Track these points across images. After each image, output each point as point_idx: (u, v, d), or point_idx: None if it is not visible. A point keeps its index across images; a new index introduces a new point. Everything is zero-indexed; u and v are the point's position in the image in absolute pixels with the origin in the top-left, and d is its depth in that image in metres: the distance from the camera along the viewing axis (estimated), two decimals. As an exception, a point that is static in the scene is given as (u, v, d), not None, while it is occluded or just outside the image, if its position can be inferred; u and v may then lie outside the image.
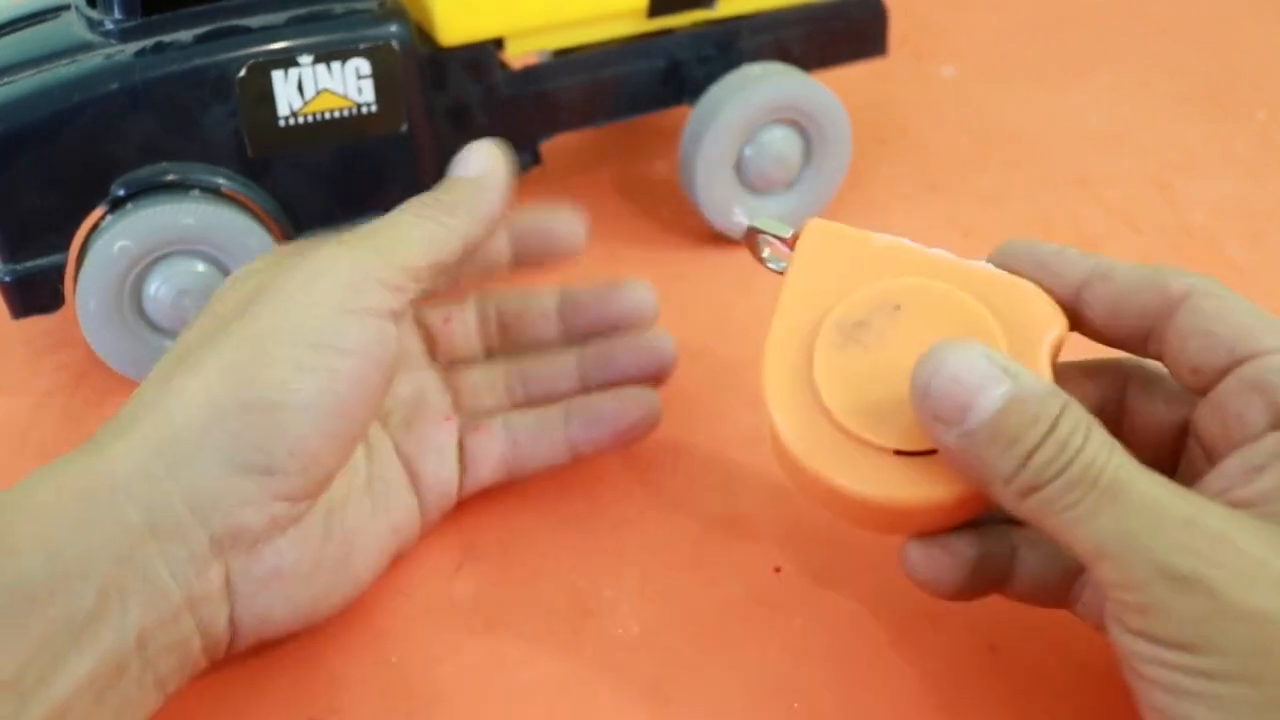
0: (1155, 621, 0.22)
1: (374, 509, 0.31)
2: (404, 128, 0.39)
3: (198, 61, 0.36)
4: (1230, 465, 0.24)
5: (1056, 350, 0.27)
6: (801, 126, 0.44)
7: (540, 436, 0.33)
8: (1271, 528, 0.22)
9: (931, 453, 0.25)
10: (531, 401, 0.35)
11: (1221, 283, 0.26)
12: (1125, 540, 0.22)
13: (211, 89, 0.36)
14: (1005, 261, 0.28)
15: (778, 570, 0.32)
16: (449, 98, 0.41)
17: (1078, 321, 0.27)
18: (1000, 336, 0.26)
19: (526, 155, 0.43)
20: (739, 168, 0.44)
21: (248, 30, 0.37)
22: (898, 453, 0.26)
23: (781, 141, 0.44)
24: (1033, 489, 0.23)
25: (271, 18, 0.37)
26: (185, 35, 0.36)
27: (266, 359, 0.26)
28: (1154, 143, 0.52)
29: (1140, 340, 0.26)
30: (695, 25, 0.44)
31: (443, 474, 0.33)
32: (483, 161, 0.32)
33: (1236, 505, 0.23)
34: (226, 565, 0.26)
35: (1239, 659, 0.21)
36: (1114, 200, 0.48)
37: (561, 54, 0.44)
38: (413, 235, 0.30)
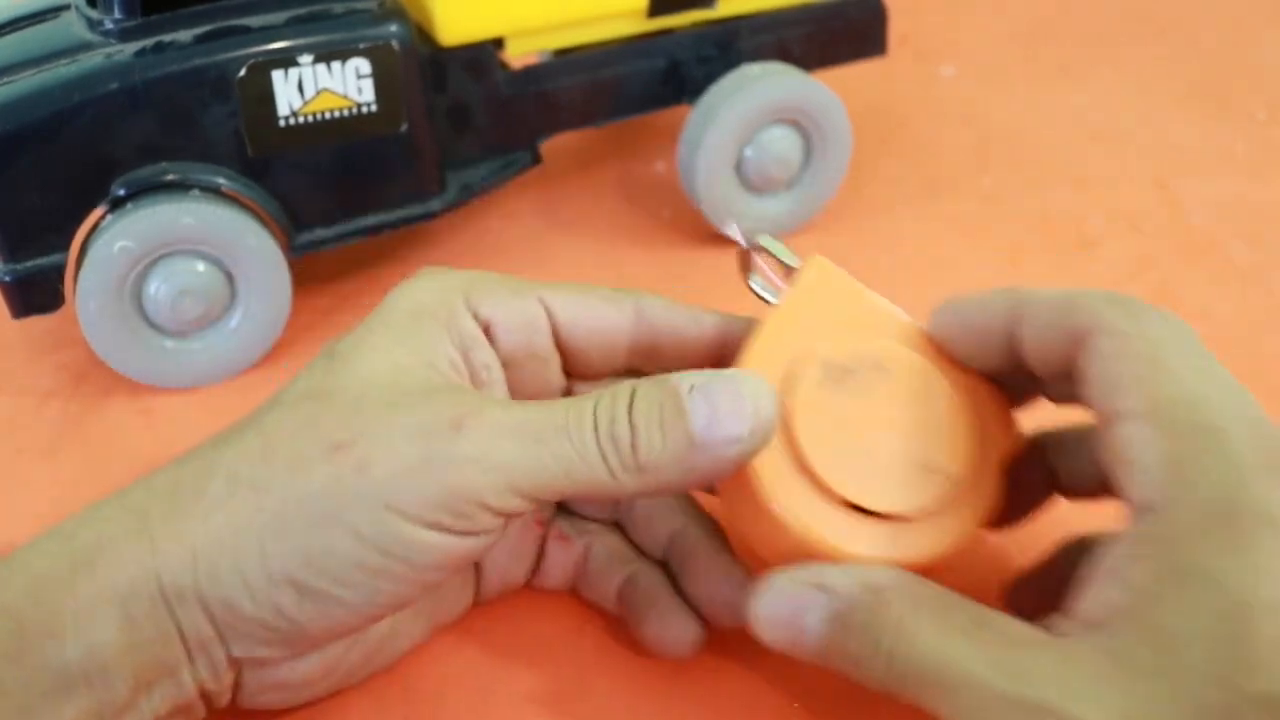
0: None
1: (419, 610, 0.29)
2: (404, 128, 0.39)
3: (198, 61, 0.36)
4: (1102, 562, 0.23)
5: (1007, 461, 0.28)
6: (801, 126, 0.44)
7: (609, 572, 0.30)
8: (1094, 656, 0.21)
9: (901, 519, 0.26)
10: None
11: (1137, 306, 0.24)
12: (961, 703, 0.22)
13: (211, 89, 0.36)
14: (942, 331, 0.28)
15: (778, 570, 0.32)
16: (449, 98, 0.41)
17: (1019, 366, 0.27)
18: (962, 436, 0.27)
19: (526, 155, 0.44)
20: (739, 168, 0.44)
21: (247, 30, 0.37)
22: (862, 510, 0.26)
23: (781, 141, 0.44)
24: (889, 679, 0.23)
25: (271, 18, 0.37)
26: (185, 35, 0.36)
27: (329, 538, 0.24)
28: (1154, 143, 0.52)
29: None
30: (695, 25, 0.44)
31: (510, 578, 0.30)
32: (739, 424, 0.25)
33: (1088, 623, 0.22)
34: (240, 670, 0.26)
35: None
36: (1114, 200, 0.48)
37: (561, 54, 0.44)
38: (555, 457, 0.24)
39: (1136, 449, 0.23)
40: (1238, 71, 0.57)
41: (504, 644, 0.30)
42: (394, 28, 0.38)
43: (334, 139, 0.39)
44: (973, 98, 0.56)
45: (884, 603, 0.23)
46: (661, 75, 0.44)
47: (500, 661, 0.30)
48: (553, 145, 0.44)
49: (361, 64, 0.38)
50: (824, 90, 0.44)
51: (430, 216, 0.42)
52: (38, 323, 0.42)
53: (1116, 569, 0.22)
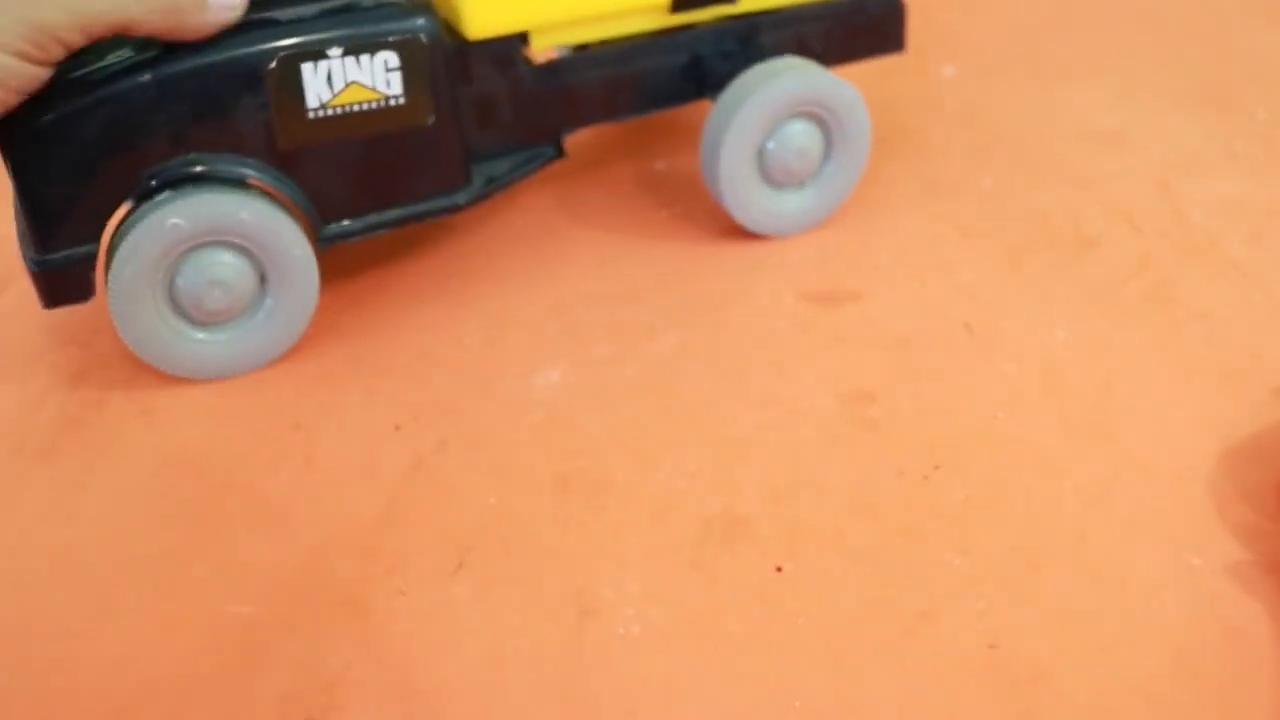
0: None
1: None
2: (431, 120, 0.40)
3: (229, 54, 0.37)
4: None
5: None
6: (822, 120, 0.45)
7: None
8: None
9: None
10: None
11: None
12: None
13: (243, 81, 0.37)
14: None
15: (778, 570, 0.32)
16: (475, 91, 0.42)
17: None
18: None
19: (550, 149, 0.44)
20: (760, 162, 0.44)
21: (277, 23, 0.37)
22: None
23: (803, 135, 0.44)
24: None
25: (302, 10, 0.38)
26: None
27: None
28: (1154, 142, 0.52)
29: None
30: (717, 20, 0.44)
31: None
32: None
33: None
34: None
35: None
36: (1114, 200, 0.48)
37: (581, 49, 0.44)
38: None
39: None
40: (1238, 71, 0.57)
41: (504, 643, 0.30)
42: (422, 21, 0.38)
43: (362, 131, 0.39)
44: (973, 98, 0.56)
45: None
46: (683, 70, 0.45)
47: (500, 660, 0.30)
48: (573, 139, 0.45)
49: (390, 57, 0.38)
50: (845, 85, 0.44)
51: (456, 209, 0.42)
52: (35, 324, 0.42)
53: None
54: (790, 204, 0.45)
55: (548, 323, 0.42)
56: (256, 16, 0.37)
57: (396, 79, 0.39)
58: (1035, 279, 0.44)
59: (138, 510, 0.35)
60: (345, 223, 0.40)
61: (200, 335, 0.39)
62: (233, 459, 0.37)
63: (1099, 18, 0.64)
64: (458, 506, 0.34)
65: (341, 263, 0.45)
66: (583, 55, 0.43)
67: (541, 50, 0.43)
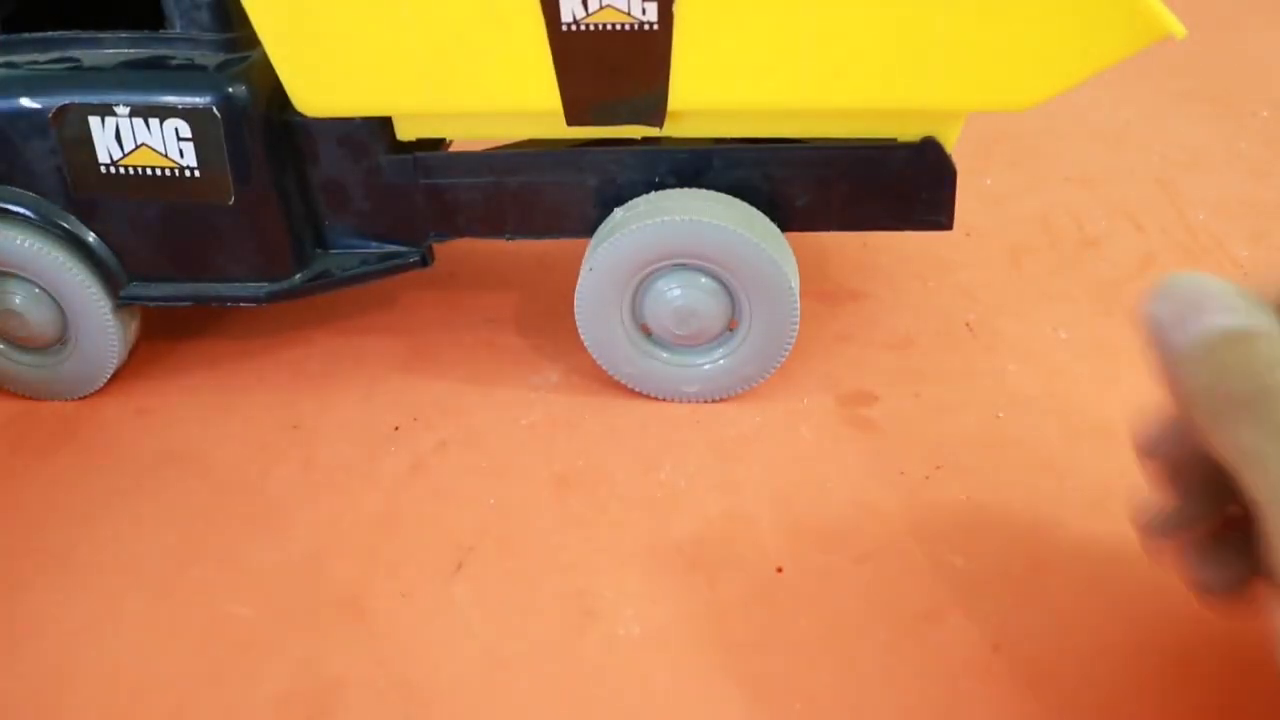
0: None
1: None
2: (231, 200, 0.36)
3: (17, 98, 0.35)
4: None
5: None
6: (721, 277, 0.36)
7: None
8: None
9: None
10: None
11: None
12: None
13: (31, 124, 0.35)
14: None
15: (779, 570, 0.32)
16: (322, 173, 0.37)
17: None
18: None
19: (414, 254, 0.38)
20: (636, 316, 0.37)
21: (79, 67, 0.35)
22: None
23: (685, 293, 0.36)
24: (1217, 415, 0.22)
25: (107, 56, 0.35)
26: (25, 59, 0.36)
27: None
28: (1156, 141, 0.52)
29: None
30: (646, 143, 0.36)
31: None
32: None
33: None
34: None
35: None
36: (1116, 199, 0.48)
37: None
38: None
39: None
40: (1239, 70, 0.57)
41: (504, 643, 0.30)
42: (223, 91, 0.34)
43: (158, 195, 0.36)
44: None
45: (1260, 355, 0.22)
46: (593, 195, 0.37)
47: (500, 660, 0.30)
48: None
49: (181, 125, 0.35)
50: (743, 237, 0.34)
51: (273, 298, 0.38)
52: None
53: None
54: (687, 370, 0.37)
55: (548, 323, 0.42)
56: (64, 54, 0.35)
57: (189, 149, 0.35)
58: (1036, 279, 0.43)
59: (137, 510, 0.35)
60: (151, 285, 0.38)
61: (18, 357, 0.39)
62: (233, 459, 0.37)
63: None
64: (458, 506, 0.34)
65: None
66: (456, 154, 0.37)
67: (408, 138, 0.37)
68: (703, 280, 0.36)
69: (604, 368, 0.38)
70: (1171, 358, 0.24)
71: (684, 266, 0.36)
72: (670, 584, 0.32)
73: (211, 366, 0.41)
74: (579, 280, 0.36)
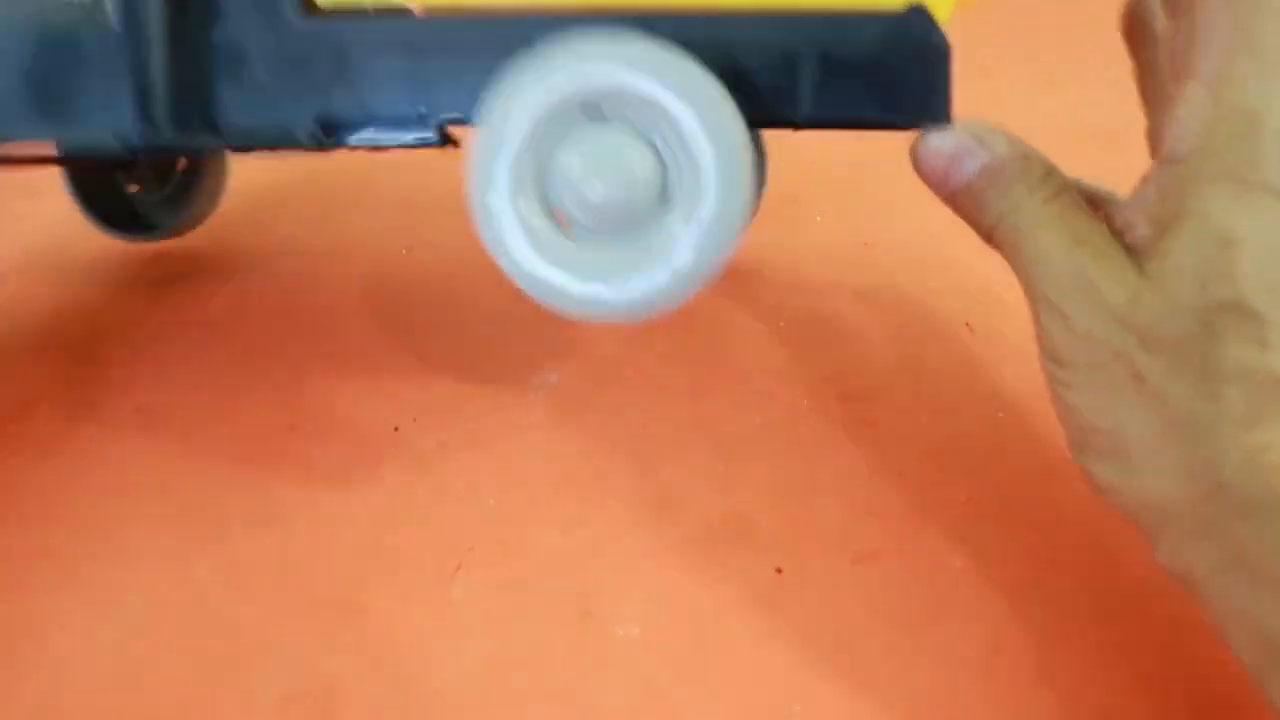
0: (1041, 333, 0.27)
1: None
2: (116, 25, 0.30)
3: None
4: (1128, 203, 0.27)
5: None
6: (649, 138, 0.27)
7: None
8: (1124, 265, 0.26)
9: None
10: None
11: None
12: (1033, 267, 0.28)
13: None
14: None
15: (779, 570, 0.32)
16: (224, 33, 0.30)
17: None
18: None
19: (311, 128, 0.30)
20: (541, 197, 0.28)
21: None
22: None
23: (591, 160, 0.27)
24: (988, 233, 0.29)
25: None
26: None
27: None
28: (1155, 142, 0.52)
29: None
30: (585, 13, 0.29)
31: None
32: None
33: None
34: None
35: (1082, 372, 0.26)
36: (1115, 199, 0.48)
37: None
38: None
39: (1188, 107, 0.25)
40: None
41: (504, 643, 0.30)
42: None
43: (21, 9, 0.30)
44: (973, 97, 0.56)
45: (1028, 175, 0.29)
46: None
47: (500, 661, 0.30)
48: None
49: None
50: (685, 85, 0.26)
51: (136, 149, 0.31)
52: (33, 322, 0.42)
53: (1138, 204, 0.26)
54: (585, 265, 0.27)
55: (547, 323, 0.42)
56: None
57: None
58: (1036, 279, 0.43)
59: (137, 510, 0.35)
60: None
61: None
62: (233, 459, 0.37)
63: (1100, 17, 0.64)
64: (458, 506, 0.34)
65: (341, 263, 0.45)
66: (373, 21, 0.30)
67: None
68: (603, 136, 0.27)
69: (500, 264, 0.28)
70: (950, 199, 0.31)
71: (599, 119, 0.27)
72: (670, 584, 0.32)
73: (211, 366, 0.41)
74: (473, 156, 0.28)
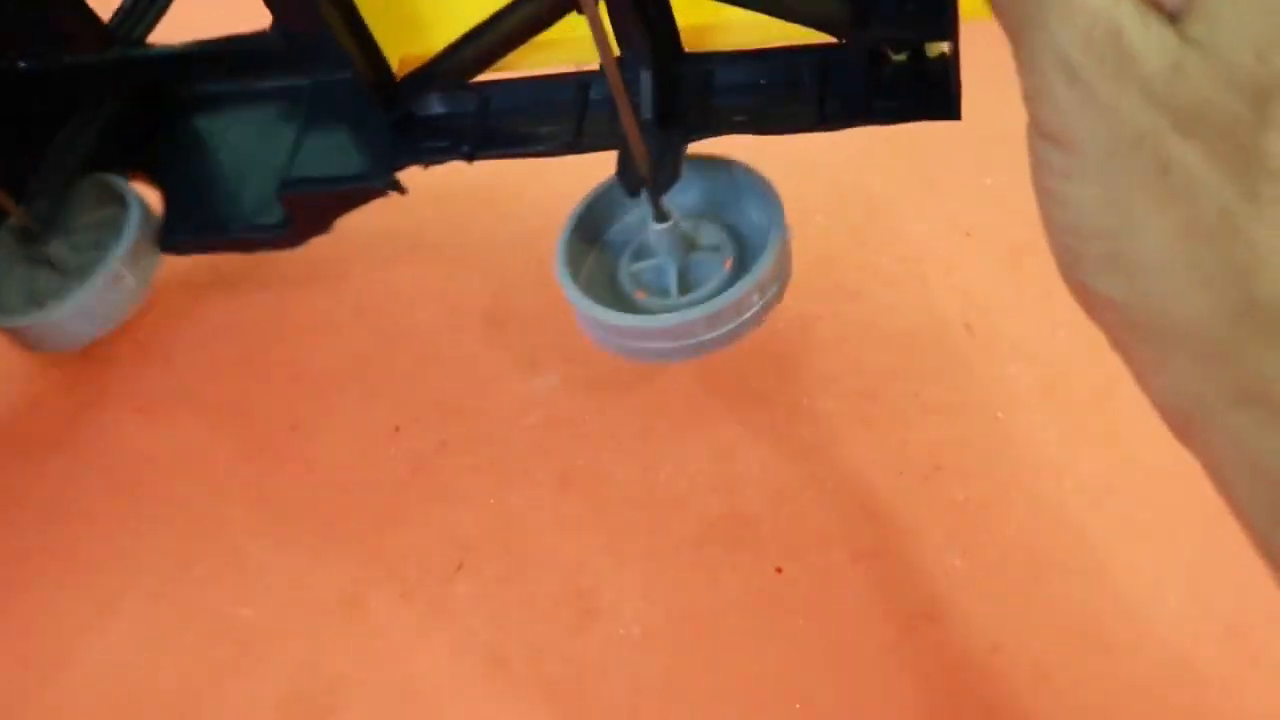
0: (1042, 109, 0.23)
1: None
2: None
3: None
4: None
5: None
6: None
7: None
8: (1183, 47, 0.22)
9: None
10: None
11: None
12: (1054, 21, 0.22)
13: None
14: None
15: (779, 570, 0.32)
16: None
17: None
18: None
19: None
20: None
21: None
22: None
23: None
24: None
25: None
26: None
27: None
28: (1155, 142, 0.52)
29: None
30: None
31: None
32: None
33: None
34: None
35: (1093, 159, 0.22)
36: (1115, 199, 0.48)
37: None
38: None
39: None
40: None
41: (504, 643, 0.30)
42: None
43: None
44: (973, 97, 0.56)
45: None
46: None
47: (500, 660, 0.30)
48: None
49: None
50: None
51: None
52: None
53: None
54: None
55: (547, 323, 0.42)
56: None
57: None
58: (1035, 279, 0.43)
59: (137, 510, 0.35)
60: None
61: None
62: (233, 459, 0.37)
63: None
64: (458, 506, 0.34)
65: (341, 265, 0.45)
66: None
67: None
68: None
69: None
70: None
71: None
72: (670, 584, 0.32)
73: (212, 366, 0.41)
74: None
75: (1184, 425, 0.22)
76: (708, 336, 0.31)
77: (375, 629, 0.31)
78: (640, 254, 0.33)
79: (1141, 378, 0.23)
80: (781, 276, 0.32)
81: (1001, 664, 0.29)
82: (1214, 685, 0.28)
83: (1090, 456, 0.35)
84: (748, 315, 0.31)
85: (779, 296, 0.32)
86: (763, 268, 0.30)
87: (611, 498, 0.35)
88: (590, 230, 0.33)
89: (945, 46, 0.31)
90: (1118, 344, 0.23)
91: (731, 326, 0.31)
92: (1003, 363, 0.39)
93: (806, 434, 0.37)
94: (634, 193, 0.31)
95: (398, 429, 0.38)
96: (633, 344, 0.31)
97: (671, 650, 0.30)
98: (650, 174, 0.30)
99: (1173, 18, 0.21)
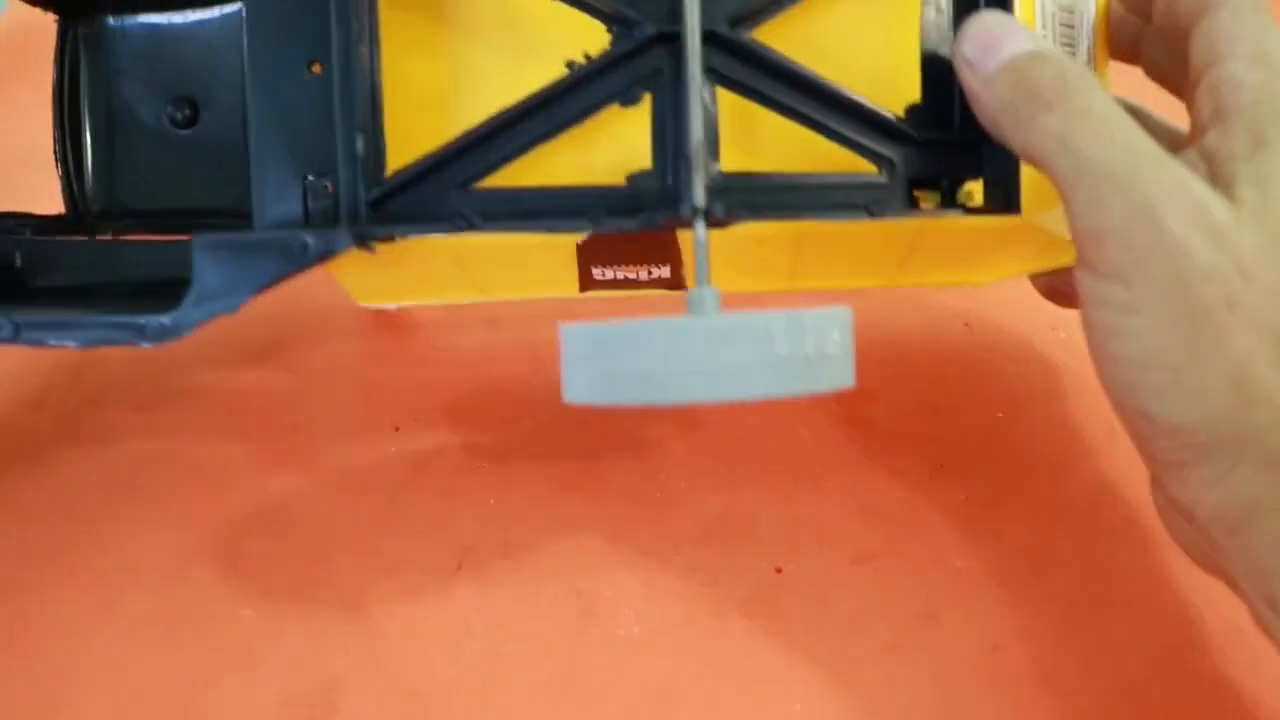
0: (1104, 251, 0.24)
1: None
2: None
3: None
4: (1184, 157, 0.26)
5: None
6: None
7: None
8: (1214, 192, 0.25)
9: None
10: None
11: (1264, 3, 0.27)
12: (1122, 169, 0.25)
13: None
14: None
15: (778, 570, 0.32)
16: None
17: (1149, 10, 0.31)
18: None
19: None
20: None
21: None
22: None
23: None
24: (1029, 119, 0.26)
25: None
26: None
27: None
28: (1155, 142, 0.52)
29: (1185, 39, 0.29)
30: None
31: None
32: None
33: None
34: None
35: (1158, 292, 0.24)
36: (1115, 199, 0.48)
37: None
38: None
39: (1236, 75, 0.26)
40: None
41: (504, 643, 0.30)
42: None
43: None
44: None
45: (1079, 70, 0.26)
46: None
47: (500, 660, 0.30)
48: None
49: None
50: None
51: None
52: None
53: (1212, 145, 0.26)
54: None
55: (547, 324, 0.42)
56: None
57: None
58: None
59: (137, 510, 0.35)
60: None
61: None
62: (233, 459, 0.37)
63: (1100, 17, 0.64)
64: (458, 506, 0.34)
65: (341, 262, 0.45)
66: None
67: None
68: None
69: None
70: (981, 81, 0.27)
71: None
72: (670, 584, 0.32)
73: (212, 366, 0.41)
74: None
75: (1232, 528, 0.24)
76: (788, 352, 0.25)
77: (375, 629, 0.31)
78: None
79: (1191, 488, 0.25)
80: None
81: (1001, 664, 0.29)
82: (1214, 685, 0.28)
83: (1091, 456, 0.35)
84: (832, 351, 0.27)
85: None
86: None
87: (611, 498, 0.35)
88: None
89: (975, 189, 0.33)
90: (1170, 465, 0.25)
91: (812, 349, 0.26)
92: (1003, 363, 0.39)
93: (806, 434, 0.37)
94: (689, 216, 0.29)
95: (398, 429, 0.38)
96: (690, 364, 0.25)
97: (671, 650, 0.30)
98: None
99: (1226, 186, 0.25)
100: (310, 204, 0.31)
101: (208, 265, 0.29)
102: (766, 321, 0.24)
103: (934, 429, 0.37)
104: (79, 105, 0.39)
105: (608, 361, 0.26)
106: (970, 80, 0.28)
